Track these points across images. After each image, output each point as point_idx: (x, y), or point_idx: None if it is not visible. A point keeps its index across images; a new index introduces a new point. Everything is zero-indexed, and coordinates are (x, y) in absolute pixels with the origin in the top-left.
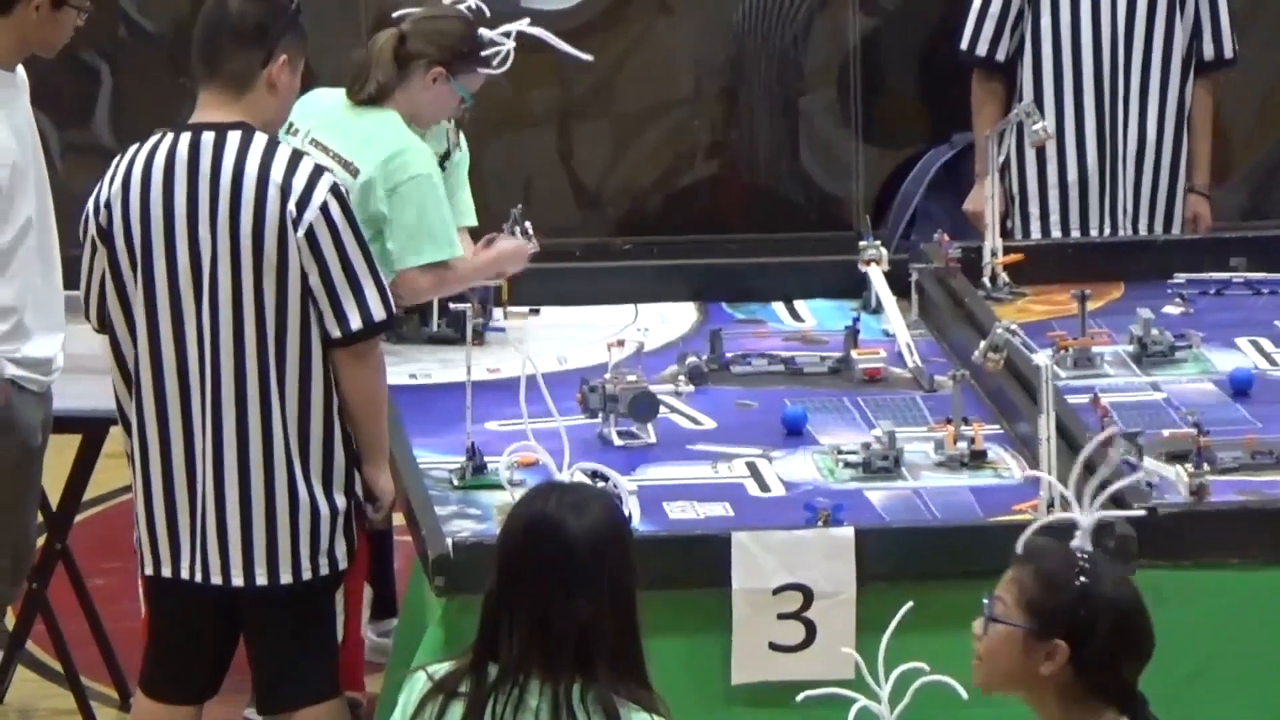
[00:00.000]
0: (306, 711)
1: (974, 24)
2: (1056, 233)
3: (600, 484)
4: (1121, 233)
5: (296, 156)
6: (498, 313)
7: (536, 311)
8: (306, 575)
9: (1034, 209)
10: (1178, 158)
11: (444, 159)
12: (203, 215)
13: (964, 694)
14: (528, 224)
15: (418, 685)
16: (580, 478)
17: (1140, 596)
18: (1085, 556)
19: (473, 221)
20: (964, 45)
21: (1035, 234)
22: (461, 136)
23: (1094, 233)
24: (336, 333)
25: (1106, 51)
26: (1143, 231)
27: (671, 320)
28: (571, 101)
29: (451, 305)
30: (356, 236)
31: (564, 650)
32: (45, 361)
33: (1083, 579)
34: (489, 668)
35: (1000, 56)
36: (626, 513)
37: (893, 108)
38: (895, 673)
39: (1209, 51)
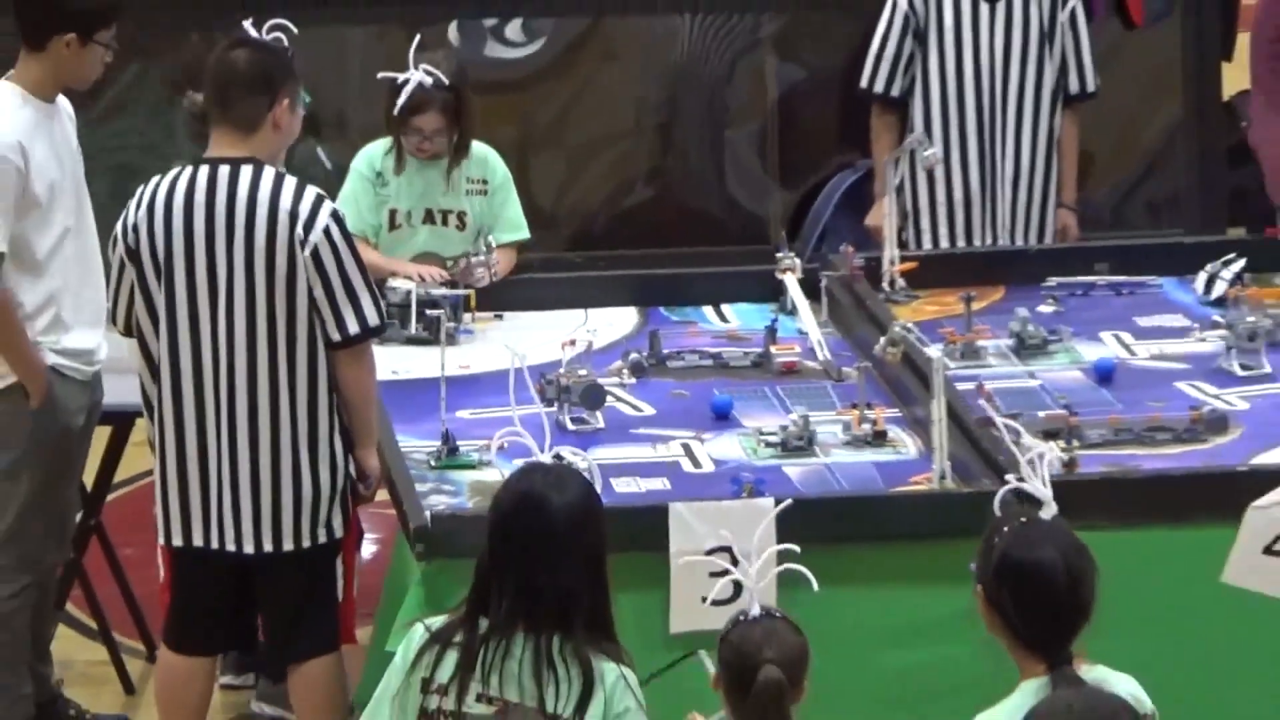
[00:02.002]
0: (313, 662)
1: (872, 64)
2: (945, 244)
3: (579, 465)
4: (1001, 243)
5: (301, 186)
6: (467, 317)
7: (501, 316)
8: (307, 543)
9: (925, 223)
10: (1049, 178)
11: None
12: (219, 237)
13: (815, 585)
14: (491, 239)
15: (416, 635)
16: (569, 459)
17: (1058, 562)
18: (1023, 520)
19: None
20: (864, 83)
21: (927, 245)
22: (497, 158)
23: (977, 243)
24: (337, 336)
25: (986, 87)
26: (1019, 242)
27: (617, 322)
28: (530, 135)
29: (427, 312)
30: (353, 253)
31: (546, 609)
32: (86, 352)
33: (1002, 537)
34: (480, 621)
35: (895, 92)
36: (600, 488)
37: (805, 138)
38: (767, 552)
39: (1074, 86)
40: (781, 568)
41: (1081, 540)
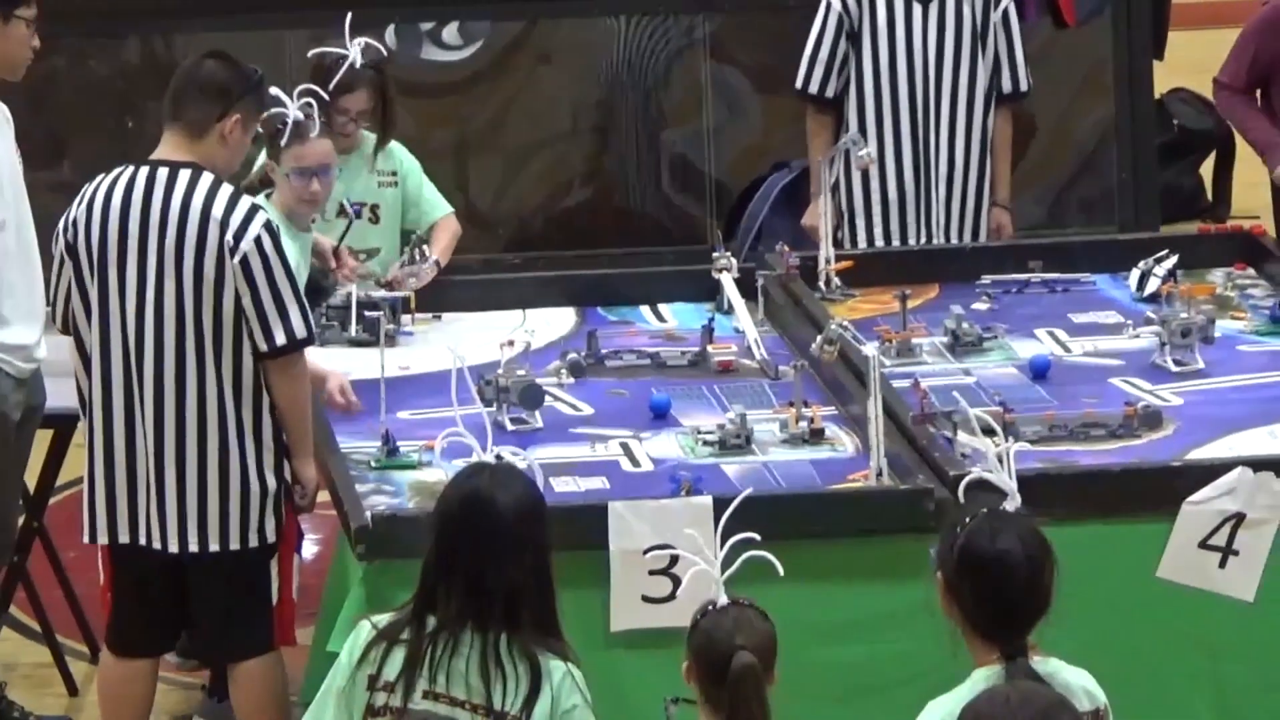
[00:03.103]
0: (250, 663)
1: (806, 66)
2: (880, 242)
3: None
4: (936, 242)
5: (236, 195)
6: (406, 319)
7: (439, 317)
8: (235, 546)
9: (860, 223)
10: (983, 177)
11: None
12: (151, 238)
13: (780, 569)
14: (426, 247)
15: (363, 633)
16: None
17: (1020, 554)
18: (985, 512)
19: (449, 208)
20: (798, 84)
21: (862, 244)
22: (402, 148)
23: (912, 242)
24: (264, 347)
25: (920, 87)
26: (954, 240)
27: (554, 323)
28: (467, 138)
29: (366, 313)
30: (284, 265)
31: (494, 607)
32: (23, 347)
33: (962, 527)
34: (427, 619)
35: (830, 93)
36: (542, 486)
37: (739, 139)
38: (730, 541)
39: (1007, 85)
40: (747, 555)
41: (1044, 534)
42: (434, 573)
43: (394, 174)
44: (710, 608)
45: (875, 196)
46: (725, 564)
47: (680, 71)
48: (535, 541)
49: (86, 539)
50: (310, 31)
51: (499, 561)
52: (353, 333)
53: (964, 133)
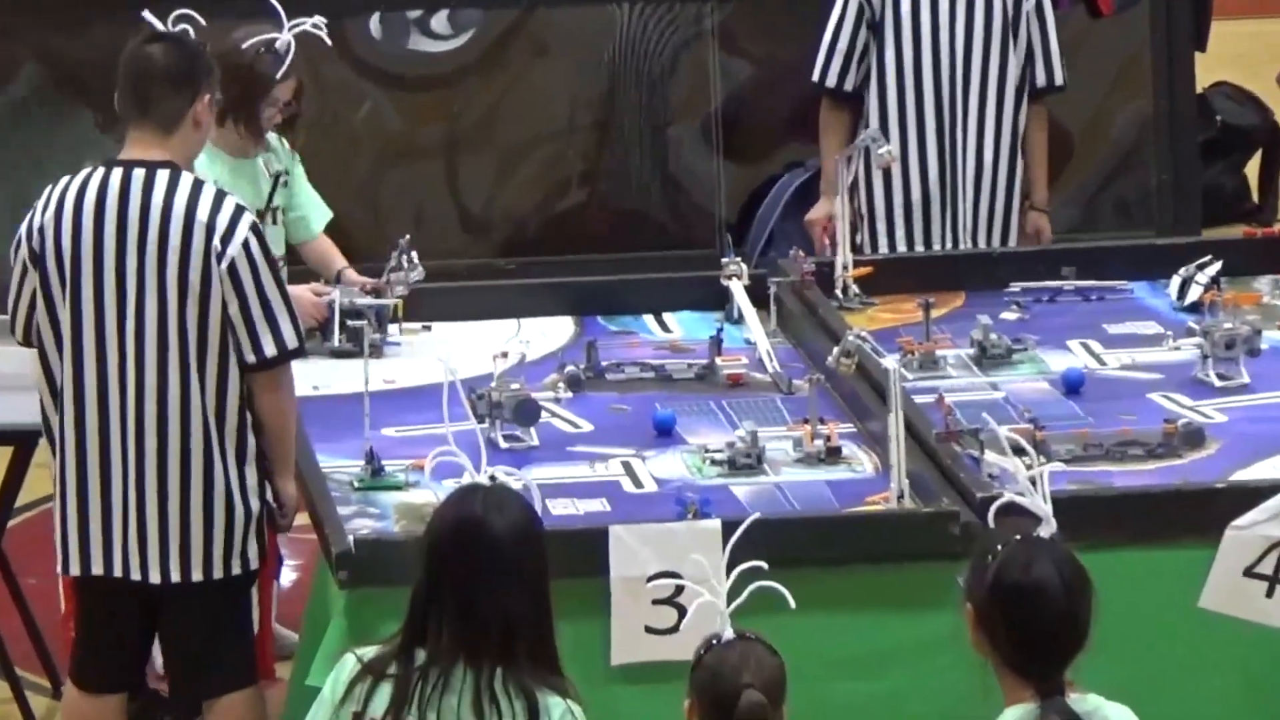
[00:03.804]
0: (229, 698)
1: (824, 57)
2: (902, 247)
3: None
4: (962, 246)
5: (220, 196)
6: (393, 329)
7: (429, 328)
8: (218, 574)
9: (881, 226)
10: (1012, 177)
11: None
12: (131, 245)
13: (792, 602)
14: (414, 253)
15: (347, 667)
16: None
17: (1057, 583)
18: (1019, 537)
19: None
20: (815, 77)
21: (883, 249)
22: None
23: (936, 247)
24: (253, 359)
25: (946, 81)
26: (981, 245)
27: (551, 333)
28: (458, 135)
29: (350, 322)
30: (272, 270)
31: (488, 639)
32: None
33: (995, 555)
34: (415, 653)
35: (849, 86)
36: (539, 508)
37: (750, 137)
38: (736, 571)
39: (1041, 79)
40: (754, 585)
41: (1081, 563)
42: (423, 602)
43: (286, 172)
44: (715, 642)
45: (898, 198)
46: (733, 593)
47: (687, 63)
48: (533, 569)
49: (60, 569)
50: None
51: (494, 590)
52: (335, 342)
53: (993, 130)
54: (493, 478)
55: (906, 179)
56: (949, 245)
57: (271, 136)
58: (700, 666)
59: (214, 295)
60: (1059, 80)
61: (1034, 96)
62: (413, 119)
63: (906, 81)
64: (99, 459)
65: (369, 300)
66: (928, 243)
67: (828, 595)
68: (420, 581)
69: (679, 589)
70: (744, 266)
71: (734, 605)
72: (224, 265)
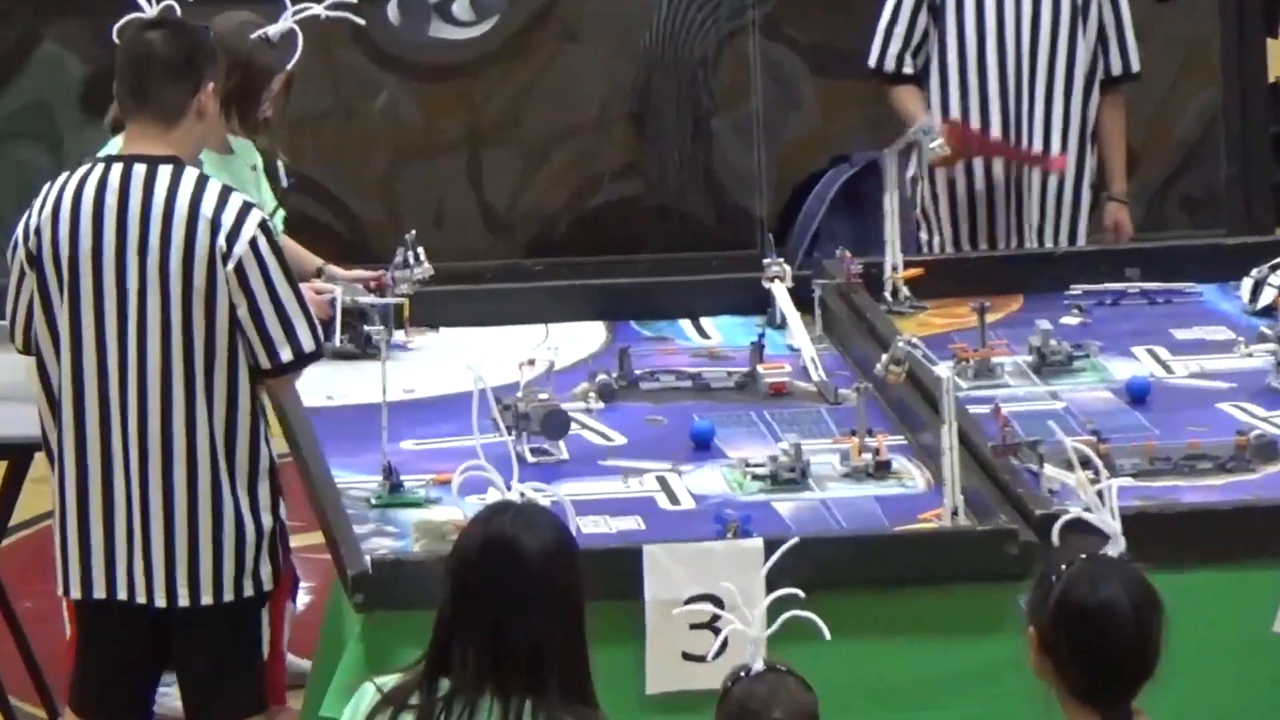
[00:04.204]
0: None
1: (881, 40)
2: (966, 245)
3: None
4: (1028, 245)
5: (226, 192)
6: (399, 333)
7: (436, 330)
8: (229, 596)
9: (945, 224)
10: (1082, 171)
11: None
12: (131, 246)
13: (827, 633)
14: (420, 250)
15: (366, 697)
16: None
17: (1126, 606)
18: (1085, 556)
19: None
20: (872, 61)
21: (948, 247)
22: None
23: (1002, 245)
24: (267, 364)
25: (1011, 68)
26: (1049, 243)
27: (581, 339)
28: (481, 127)
29: (366, 328)
30: (284, 270)
31: (517, 667)
32: None
33: (1060, 575)
34: (440, 682)
35: (908, 70)
36: (572, 527)
37: (794, 129)
38: (768, 599)
39: (1116, 66)
40: (787, 615)
41: (1152, 584)
42: (448, 628)
43: (255, 167)
44: (743, 673)
45: (961, 193)
46: (773, 617)
47: (727, 51)
48: (566, 592)
49: (60, 591)
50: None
51: (524, 615)
52: (336, 343)
53: (1060, 120)
54: (522, 494)
55: (970, 172)
56: (1013, 243)
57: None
58: (727, 699)
59: (220, 297)
60: (1134, 67)
61: (1107, 85)
62: (433, 111)
63: (969, 68)
64: (101, 474)
65: (373, 299)
66: (992, 241)
67: (877, 619)
68: (444, 605)
69: (718, 613)
70: (787, 268)
71: (769, 630)
72: (230, 265)
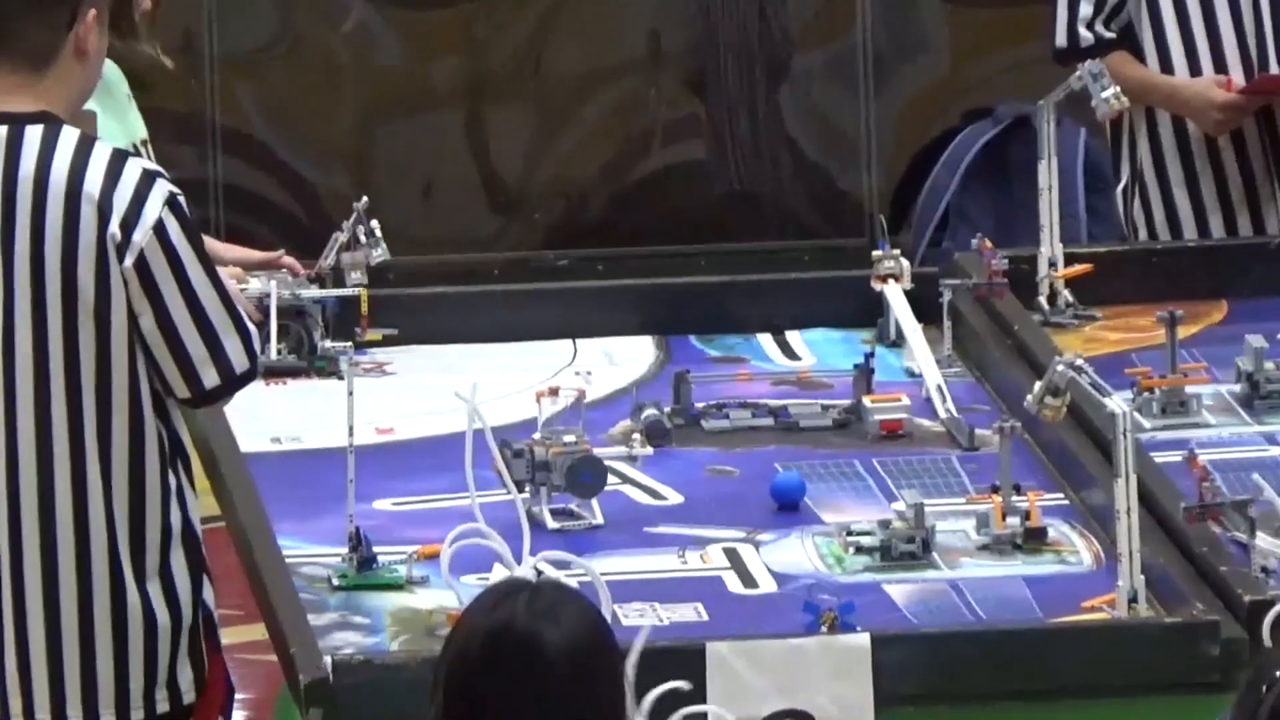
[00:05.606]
0: None
1: (1067, 13)
2: (1189, 232)
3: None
4: (1270, 231)
5: (119, 158)
6: (353, 333)
7: (394, 334)
8: (137, 716)
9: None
10: None
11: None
12: None
13: None
14: (374, 224)
15: None
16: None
17: None
18: None
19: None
20: (1060, 40)
21: (1163, 234)
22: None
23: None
24: (186, 393)
25: (1248, 11)
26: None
27: (622, 360)
28: (486, 71)
29: (328, 344)
30: (203, 262)
31: None
32: None
33: (1275, 684)
34: None
35: (1110, 36)
36: (609, 615)
37: (916, 73)
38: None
39: None
40: None
41: None
42: None
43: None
44: None
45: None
46: None
47: None
48: (600, 696)
49: None
50: None
51: None
52: (270, 354)
53: None
54: (539, 572)
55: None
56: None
57: None
58: None
59: (116, 308)
60: None
61: None
62: (420, 47)
63: (1193, 21)
64: None
65: (319, 292)
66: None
67: None
68: None
69: None
70: (904, 263)
71: None
72: (129, 261)
